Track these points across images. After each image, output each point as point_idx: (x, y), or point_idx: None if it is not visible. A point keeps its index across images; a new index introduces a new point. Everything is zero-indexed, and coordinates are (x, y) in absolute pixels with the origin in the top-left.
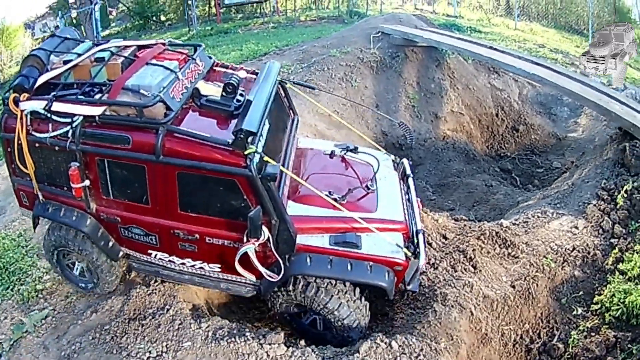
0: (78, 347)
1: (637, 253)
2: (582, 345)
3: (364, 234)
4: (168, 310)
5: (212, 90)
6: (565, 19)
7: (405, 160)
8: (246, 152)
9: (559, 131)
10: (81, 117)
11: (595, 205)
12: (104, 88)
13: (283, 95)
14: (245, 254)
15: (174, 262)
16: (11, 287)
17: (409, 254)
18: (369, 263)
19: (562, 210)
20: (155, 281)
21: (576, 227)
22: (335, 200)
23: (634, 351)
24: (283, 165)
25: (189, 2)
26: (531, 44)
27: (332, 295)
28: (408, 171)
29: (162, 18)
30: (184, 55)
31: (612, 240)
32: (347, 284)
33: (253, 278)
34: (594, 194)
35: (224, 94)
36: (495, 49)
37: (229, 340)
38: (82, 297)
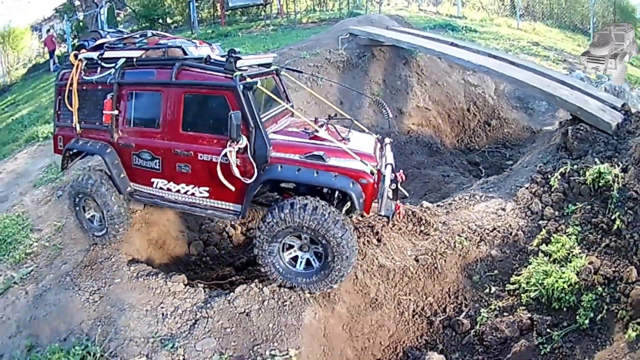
0: (47, 288)
1: (567, 235)
2: (490, 324)
3: (334, 156)
4: (111, 259)
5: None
6: (569, 19)
7: (387, 139)
8: (235, 73)
9: (534, 125)
10: (124, 59)
11: (527, 188)
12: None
13: (279, 82)
14: (227, 166)
15: (171, 189)
16: (7, 253)
17: (375, 170)
18: (334, 173)
19: (493, 193)
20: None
21: (503, 209)
22: (306, 134)
23: (555, 337)
24: (264, 116)
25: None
26: (525, 42)
27: (331, 216)
28: (387, 141)
29: (169, 20)
30: (207, 44)
31: (540, 222)
32: (328, 205)
33: (232, 188)
34: (528, 178)
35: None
36: (457, 45)
37: (145, 278)
38: (59, 255)
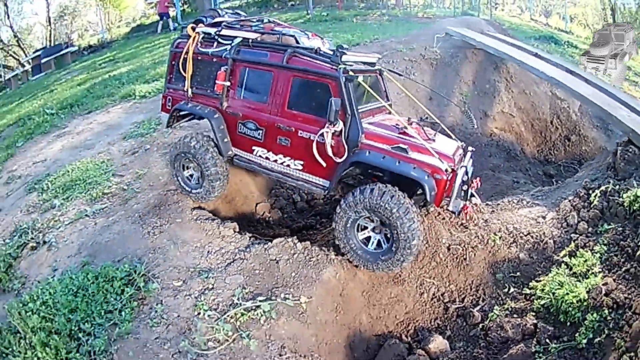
0: (116, 221)
1: (593, 252)
2: (498, 322)
3: (416, 152)
4: (179, 203)
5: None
6: None
7: (469, 147)
8: (339, 66)
9: (610, 146)
10: (240, 39)
11: (569, 201)
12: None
13: (381, 81)
14: (322, 145)
15: (269, 158)
16: (85, 192)
17: (449, 169)
18: (413, 165)
19: (540, 201)
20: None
21: (543, 217)
22: (396, 129)
23: (552, 349)
24: (361, 109)
25: None
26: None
27: (396, 200)
28: (469, 149)
29: None
30: (319, 37)
31: (572, 235)
32: (403, 194)
33: (324, 164)
34: (574, 191)
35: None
36: (539, 56)
37: (202, 222)
38: (134, 197)
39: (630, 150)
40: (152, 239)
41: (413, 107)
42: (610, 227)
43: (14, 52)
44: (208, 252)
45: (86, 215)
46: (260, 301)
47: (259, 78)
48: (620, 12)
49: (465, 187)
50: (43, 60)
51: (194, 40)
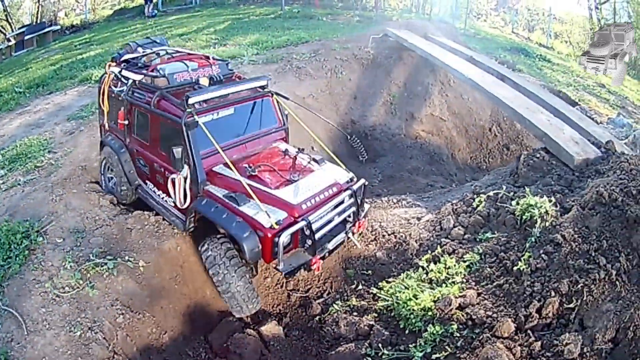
0: (35, 189)
1: (461, 260)
2: (334, 317)
3: (256, 201)
4: (79, 178)
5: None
6: None
7: (362, 181)
8: (186, 110)
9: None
10: (131, 80)
11: (452, 204)
12: (147, 68)
13: (274, 104)
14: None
15: (155, 192)
16: (23, 164)
17: (274, 224)
18: (239, 218)
19: (423, 203)
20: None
21: (418, 219)
22: (246, 170)
23: (383, 355)
24: (230, 142)
25: None
26: (591, 82)
27: (217, 263)
28: (356, 187)
29: None
30: (208, 63)
31: (443, 239)
32: (229, 252)
33: (177, 202)
34: (461, 195)
35: (210, 83)
36: (473, 60)
37: (90, 192)
38: (56, 171)
39: (538, 156)
40: (53, 205)
41: (335, 104)
42: (492, 236)
43: (2, 27)
44: (86, 217)
45: (18, 184)
46: (108, 260)
47: (143, 119)
48: None
49: (315, 239)
50: (26, 37)
51: (108, 78)
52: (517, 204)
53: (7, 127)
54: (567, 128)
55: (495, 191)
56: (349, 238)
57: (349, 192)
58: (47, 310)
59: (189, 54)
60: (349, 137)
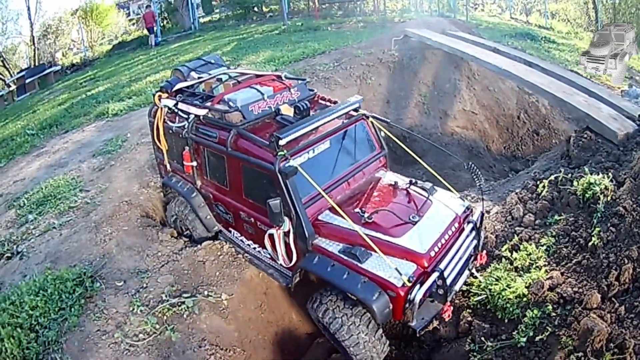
0: (76, 232)
1: (539, 245)
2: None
3: (376, 254)
4: (127, 213)
5: (290, 112)
6: None
7: (479, 210)
8: (278, 153)
9: None
10: (193, 115)
11: (516, 193)
12: (210, 99)
13: (370, 127)
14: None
15: (243, 241)
16: (55, 206)
17: (407, 282)
18: (364, 278)
19: (486, 196)
20: None
21: (487, 212)
22: (360, 217)
23: (487, 348)
24: (331, 181)
25: None
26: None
27: (337, 317)
28: (474, 218)
29: (264, 9)
30: (284, 86)
31: (517, 228)
32: (353, 308)
33: (280, 261)
34: (522, 183)
35: (296, 113)
36: (498, 51)
37: (145, 228)
38: (94, 210)
39: (586, 136)
40: (103, 245)
41: (370, 111)
42: (560, 217)
43: (0, 73)
44: (147, 255)
45: (54, 227)
46: (185, 297)
47: (216, 160)
48: (603, 6)
49: (447, 287)
50: (27, 81)
51: (161, 112)
52: (578, 184)
53: (25, 170)
54: (603, 106)
55: (554, 175)
56: (472, 274)
57: (470, 225)
58: None
59: (257, 75)
60: (465, 165)
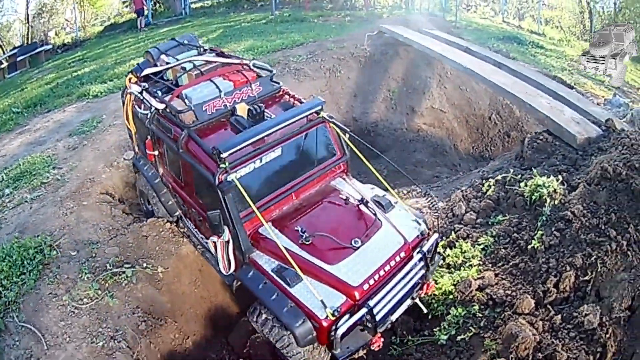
0: (44, 205)
1: (476, 244)
2: None
3: (310, 278)
4: (89, 189)
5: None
6: None
7: (435, 237)
8: (219, 165)
9: None
10: (154, 108)
11: (462, 191)
12: (173, 90)
13: (331, 131)
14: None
15: (196, 233)
16: (29, 182)
17: (330, 316)
18: (291, 302)
19: (434, 192)
20: None
21: (430, 208)
22: (300, 236)
23: (408, 342)
24: (278, 191)
25: None
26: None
27: (274, 329)
28: (426, 247)
29: None
30: (246, 80)
31: (456, 225)
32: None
33: (221, 267)
34: (470, 181)
35: (249, 116)
36: (470, 51)
37: (101, 204)
38: (63, 186)
39: (542, 138)
40: (64, 218)
41: (336, 103)
42: (504, 218)
43: None
44: (99, 228)
45: (26, 201)
46: (125, 268)
47: (173, 156)
48: (599, 15)
49: (377, 321)
50: (19, 59)
51: (129, 97)
52: (526, 185)
53: (7, 147)
54: (567, 109)
55: (503, 175)
56: (414, 302)
57: (419, 255)
58: (66, 323)
59: (225, 63)
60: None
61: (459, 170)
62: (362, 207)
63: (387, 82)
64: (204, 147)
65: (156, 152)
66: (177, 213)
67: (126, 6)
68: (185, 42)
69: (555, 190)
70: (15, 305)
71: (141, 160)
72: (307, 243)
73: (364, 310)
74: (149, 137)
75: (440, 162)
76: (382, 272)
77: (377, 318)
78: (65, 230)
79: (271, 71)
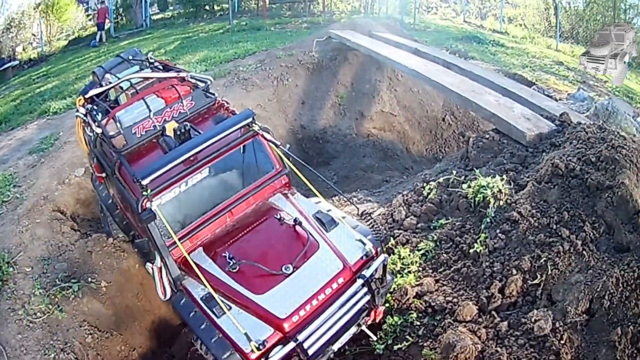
0: (3, 223)
1: (412, 250)
2: None
3: (238, 308)
4: (41, 207)
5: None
6: None
7: (382, 258)
8: (142, 193)
9: None
10: (94, 132)
11: (402, 195)
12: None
13: (265, 145)
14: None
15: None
16: None
17: (255, 349)
18: (219, 333)
19: (375, 197)
20: None
21: (370, 214)
22: (227, 264)
23: (346, 352)
24: (209, 214)
25: None
26: (548, 61)
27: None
28: (371, 270)
29: (216, 7)
30: (177, 96)
31: (396, 231)
32: None
33: (158, 293)
34: (412, 185)
35: (175, 136)
36: (418, 52)
37: (52, 221)
38: (22, 204)
39: (488, 137)
40: (20, 236)
41: (283, 111)
42: (447, 222)
43: None
44: (51, 244)
45: None
46: (72, 282)
47: (114, 178)
48: (565, 11)
49: (309, 355)
50: None
51: (79, 120)
52: (469, 187)
53: None
54: (517, 106)
55: (445, 177)
56: (360, 330)
57: (360, 281)
58: (22, 336)
59: (160, 78)
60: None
61: (410, 173)
62: (297, 227)
63: (335, 88)
64: (130, 173)
65: (104, 174)
66: (132, 232)
67: (90, 19)
68: (130, 57)
69: (500, 191)
70: None
71: (96, 181)
72: (234, 271)
73: (292, 344)
74: (94, 160)
75: (391, 166)
76: (315, 302)
77: (310, 352)
78: (21, 247)
79: (206, 82)
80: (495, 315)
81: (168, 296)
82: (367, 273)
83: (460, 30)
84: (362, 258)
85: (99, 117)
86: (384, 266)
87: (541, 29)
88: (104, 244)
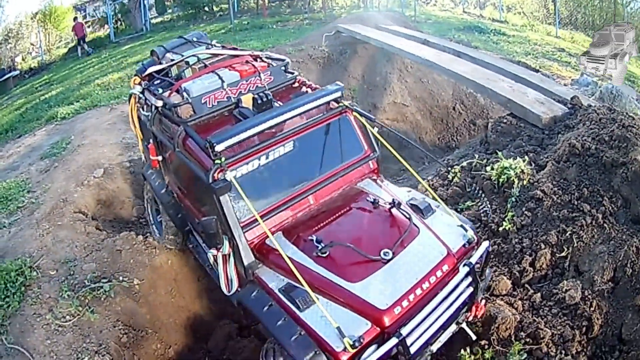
0: (21, 229)
1: None
2: None
3: (326, 299)
4: (62, 209)
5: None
6: None
7: (485, 245)
8: (214, 162)
9: None
10: (154, 107)
11: (427, 181)
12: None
13: (353, 123)
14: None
15: (204, 247)
16: (5, 207)
17: (349, 347)
18: (301, 330)
19: (401, 184)
20: None
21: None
22: (314, 248)
23: None
24: (291, 194)
25: None
26: (550, 48)
27: None
28: (474, 258)
29: (215, 8)
30: (254, 70)
31: None
32: None
33: (222, 287)
34: (436, 170)
35: (254, 106)
36: (428, 43)
37: (76, 223)
38: (38, 209)
39: (505, 121)
40: (41, 240)
41: None
42: (473, 203)
43: None
44: (75, 246)
45: (4, 226)
46: (103, 283)
47: (175, 159)
48: None
49: (410, 354)
50: None
51: (133, 99)
52: (492, 169)
53: None
54: (530, 91)
55: (468, 161)
56: (460, 327)
57: (465, 269)
58: (52, 341)
59: (233, 55)
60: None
61: (425, 162)
62: (394, 211)
63: (347, 81)
64: (199, 141)
65: (160, 157)
66: (187, 227)
67: (89, 26)
68: (194, 39)
69: (522, 171)
70: (2, 328)
71: (149, 170)
72: (323, 256)
73: (394, 340)
74: (151, 140)
75: (406, 156)
76: (419, 291)
77: (412, 350)
78: (44, 250)
79: (285, 60)
80: (529, 288)
81: (234, 288)
82: (472, 260)
83: (461, 20)
84: (464, 246)
85: (159, 91)
86: (487, 255)
87: (540, 16)
88: (134, 242)
